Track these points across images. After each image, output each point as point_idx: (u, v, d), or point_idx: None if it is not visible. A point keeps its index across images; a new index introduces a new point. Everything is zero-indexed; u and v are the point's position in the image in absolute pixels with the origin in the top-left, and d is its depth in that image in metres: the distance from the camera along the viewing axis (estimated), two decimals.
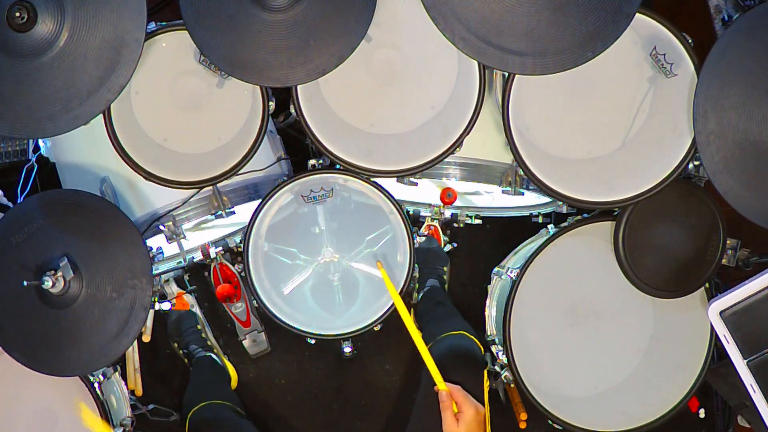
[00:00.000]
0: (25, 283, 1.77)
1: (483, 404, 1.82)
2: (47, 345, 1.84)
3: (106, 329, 1.85)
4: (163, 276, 2.38)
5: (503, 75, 1.95)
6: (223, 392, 2.35)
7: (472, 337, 2.03)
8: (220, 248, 2.29)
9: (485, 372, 1.91)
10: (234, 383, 2.52)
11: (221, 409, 2.18)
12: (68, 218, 1.89)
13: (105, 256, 1.86)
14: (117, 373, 2.10)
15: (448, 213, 2.39)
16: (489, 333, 2.25)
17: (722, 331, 1.87)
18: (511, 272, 2.12)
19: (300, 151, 2.40)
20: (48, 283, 1.76)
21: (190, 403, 2.15)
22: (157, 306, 1.96)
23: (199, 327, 2.49)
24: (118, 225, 1.89)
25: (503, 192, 2.12)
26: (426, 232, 2.47)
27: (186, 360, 2.46)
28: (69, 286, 1.81)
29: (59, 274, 1.78)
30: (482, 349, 2.01)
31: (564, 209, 2.19)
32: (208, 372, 2.40)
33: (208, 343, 2.48)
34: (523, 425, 2.36)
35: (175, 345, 2.47)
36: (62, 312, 1.83)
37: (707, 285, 2.07)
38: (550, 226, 2.17)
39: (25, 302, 1.82)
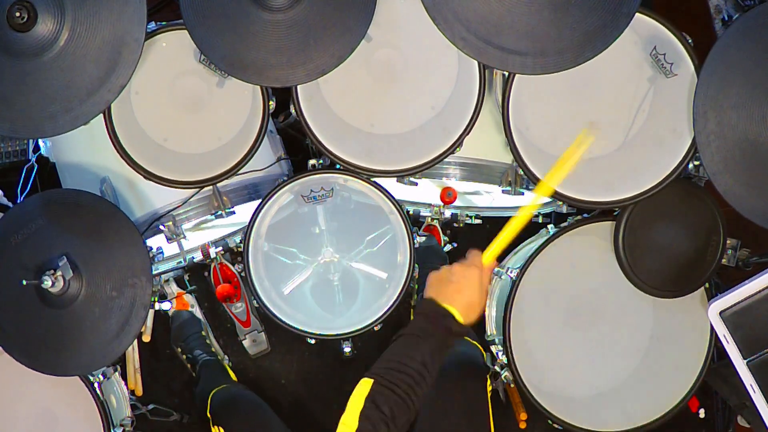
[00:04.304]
0: (24, 282, 1.77)
1: (487, 410, 1.82)
2: (47, 345, 1.85)
3: (106, 329, 1.85)
4: (163, 276, 2.38)
5: (503, 75, 1.94)
6: (234, 382, 2.40)
7: (474, 342, 2.02)
8: (220, 248, 2.28)
9: (488, 377, 1.91)
10: None
11: (239, 388, 2.25)
12: (68, 218, 1.89)
13: (105, 256, 1.86)
14: (117, 373, 2.10)
15: (448, 213, 2.38)
16: (489, 333, 2.24)
17: (722, 331, 1.87)
18: (511, 272, 2.12)
19: (300, 151, 2.40)
20: (47, 283, 1.76)
21: (208, 388, 2.17)
22: (157, 306, 1.96)
23: (203, 333, 2.50)
24: (118, 225, 1.89)
25: (503, 192, 2.12)
26: (426, 232, 2.47)
27: (189, 365, 2.47)
28: (69, 285, 1.81)
29: (59, 273, 1.79)
30: (484, 354, 2.00)
31: (564, 209, 2.19)
32: (218, 368, 2.43)
33: (212, 349, 2.49)
34: (523, 425, 2.36)
35: (179, 349, 2.48)
36: (62, 312, 1.83)
37: (707, 285, 2.07)
38: (550, 226, 2.17)
39: (25, 302, 1.83)
